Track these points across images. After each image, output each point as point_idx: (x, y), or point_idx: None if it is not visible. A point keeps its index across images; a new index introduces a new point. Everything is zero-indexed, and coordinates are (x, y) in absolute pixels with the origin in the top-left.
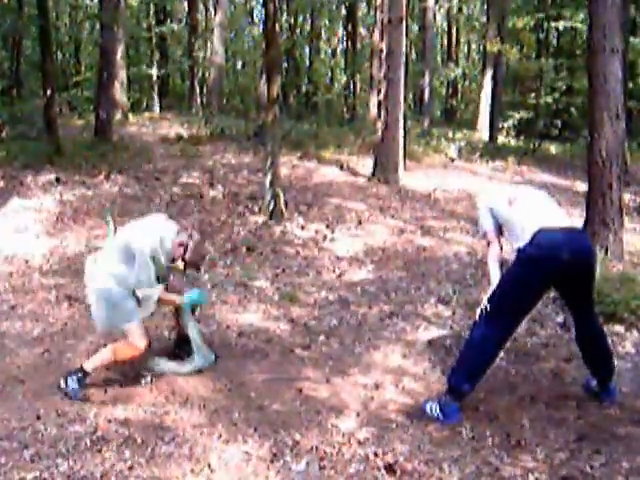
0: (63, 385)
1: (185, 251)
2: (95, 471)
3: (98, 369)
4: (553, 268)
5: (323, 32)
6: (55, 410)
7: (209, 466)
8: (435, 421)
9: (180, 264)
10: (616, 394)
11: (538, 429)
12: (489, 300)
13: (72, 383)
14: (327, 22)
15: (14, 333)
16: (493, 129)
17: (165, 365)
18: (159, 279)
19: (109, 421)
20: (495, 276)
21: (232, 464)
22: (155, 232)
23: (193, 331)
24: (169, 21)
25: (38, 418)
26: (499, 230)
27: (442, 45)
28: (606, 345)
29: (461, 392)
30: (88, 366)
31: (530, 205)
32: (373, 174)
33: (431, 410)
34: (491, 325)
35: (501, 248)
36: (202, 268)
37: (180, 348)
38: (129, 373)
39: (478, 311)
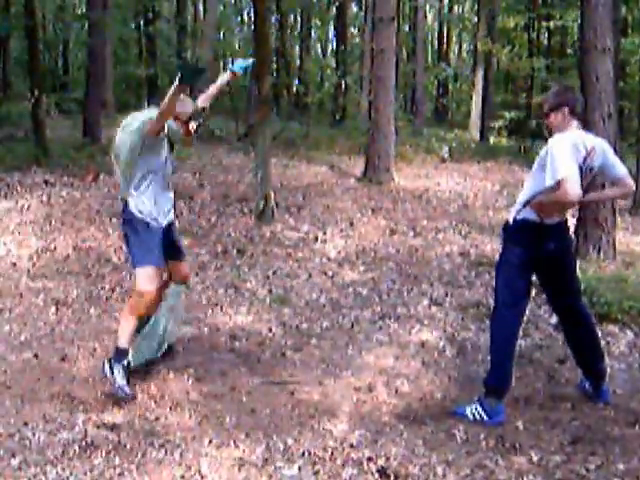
0: (109, 375)
1: (187, 122)
2: (84, 478)
3: (132, 337)
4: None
5: (313, 32)
6: (43, 416)
7: (200, 472)
8: (480, 424)
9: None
10: (609, 395)
11: (533, 431)
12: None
13: (119, 379)
14: (317, 22)
15: (1, 337)
16: (484, 129)
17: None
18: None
19: (98, 427)
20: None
21: (223, 469)
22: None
23: (159, 322)
24: (158, 20)
25: (25, 424)
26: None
27: (433, 44)
28: (597, 337)
29: (502, 390)
30: (122, 343)
31: None
32: (364, 174)
33: (473, 414)
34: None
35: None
36: (197, 115)
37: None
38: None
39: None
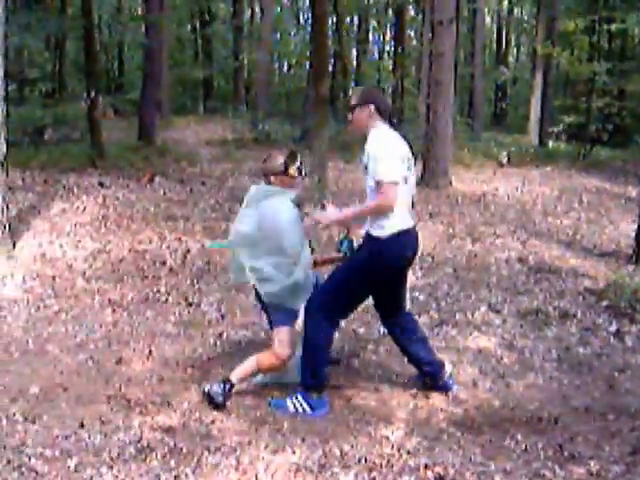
0: (208, 388)
1: (285, 171)
2: None
3: (243, 380)
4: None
5: (371, 34)
6: (99, 418)
7: (256, 477)
8: (304, 415)
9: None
10: (452, 386)
11: (592, 441)
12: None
13: (217, 389)
14: (375, 24)
15: (57, 339)
16: (543, 133)
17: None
18: None
19: (154, 429)
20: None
21: (279, 475)
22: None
23: None
24: (214, 22)
25: (82, 426)
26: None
27: (491, 47)
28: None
29: (321, 386)
30: (234, 377)
31: (409, 188)
32: (422, 179)
33: (295, 407)
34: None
35: None
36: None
37: None
38: (176, 381)
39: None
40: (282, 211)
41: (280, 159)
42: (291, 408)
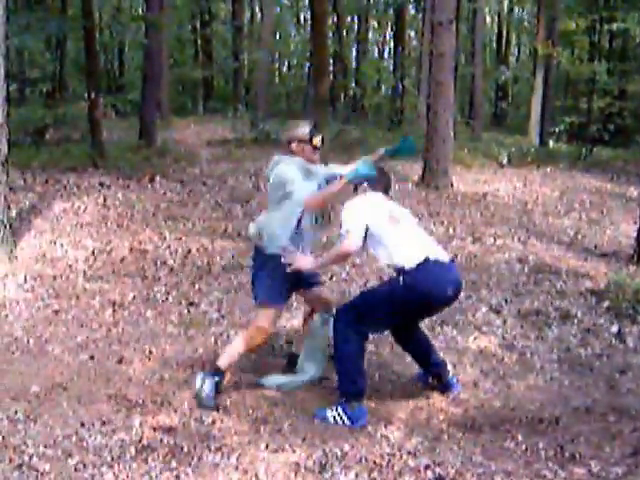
0: (199, 385)
1: (303, 140)
2: None
3: (232, 364)
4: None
5: (370, 34)
6: (99, 418)
7: (256, 476)
8: (346, 427)
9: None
10: (456, 385)
11: (593, 442)
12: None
13: (208, 389)
14: (375, 24)
15: (58, 339)
16: (544, 133)
17: (273, 380)
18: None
19: (154, 429)
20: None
21: (280, 474)
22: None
23: (318, 341)
24: (214, 22)
25: (82, 425)
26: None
27: (491, 47)
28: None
29: (359, 393)
30: (222, 363)
31: (413, 228)
32: (422, 179)
33: (335, 419)
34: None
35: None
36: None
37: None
38: (177, 381)
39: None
40: (288, 169)
41: (307, 128)
42: (331, 420)
